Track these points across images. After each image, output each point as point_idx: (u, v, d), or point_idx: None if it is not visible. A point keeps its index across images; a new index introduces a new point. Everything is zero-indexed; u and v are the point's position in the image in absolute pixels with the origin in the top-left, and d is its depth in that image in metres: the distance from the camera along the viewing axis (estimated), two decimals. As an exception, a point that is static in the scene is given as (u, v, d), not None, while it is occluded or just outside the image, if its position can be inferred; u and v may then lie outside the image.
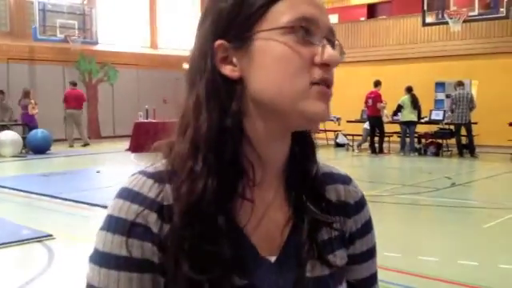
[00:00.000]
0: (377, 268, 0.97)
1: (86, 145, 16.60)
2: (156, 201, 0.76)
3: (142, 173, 0.80)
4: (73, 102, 16.30)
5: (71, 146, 16.31)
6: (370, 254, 0.94)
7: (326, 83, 0.77)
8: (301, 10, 0.75)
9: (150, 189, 0.77)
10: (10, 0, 18.30)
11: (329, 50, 0.76)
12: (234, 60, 0.77)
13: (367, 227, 0.93)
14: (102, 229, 0.77)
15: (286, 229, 0.82)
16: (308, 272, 0.81)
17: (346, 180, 0.94)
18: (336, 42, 0.79)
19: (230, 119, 0.76)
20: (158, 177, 0.78)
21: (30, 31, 17.86)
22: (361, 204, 0.93)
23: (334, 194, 0.90)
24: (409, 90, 14.11)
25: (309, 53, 0.75)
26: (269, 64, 0.75)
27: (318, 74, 0.75)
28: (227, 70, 0.77)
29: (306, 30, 0.75)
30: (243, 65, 0.76)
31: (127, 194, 0.77)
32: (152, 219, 0.75)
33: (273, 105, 0.76)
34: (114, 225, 0.76)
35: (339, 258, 0.87)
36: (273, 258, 0.80)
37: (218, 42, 0.77)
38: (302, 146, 0.86)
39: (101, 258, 0.76)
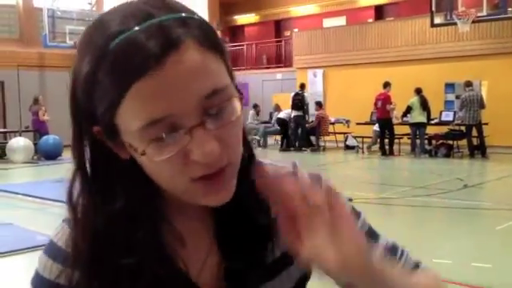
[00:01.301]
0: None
1: None
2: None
3: (67, 221, 0.75)
4: None
5: None
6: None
7: (213, 171, 0.64)
8: (147, 111, 0.60)
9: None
10: (20, 7, 18.45)
11: (201, 146, 0.61)
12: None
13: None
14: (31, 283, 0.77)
15: (224, 272, 0.75)
16: None
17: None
18: (227, 98, 0.64)
19: (120, 203, 0.68)
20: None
21: (39, 38, 18.00)
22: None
23: None
24: (418, 91, 14.07)
25: (177, 153, 0.62)
26: (144, 168, 0.66)
27: (196, 171, 0.63)
28: (119, 151, 0.67)
29: (157, 139, 0.61)
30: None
31: (51, 250, 0.75)
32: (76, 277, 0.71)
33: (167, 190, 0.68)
34: (39, 283, 0.76)
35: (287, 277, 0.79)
36: None
37: (95, 128, 0.66)
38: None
39: None
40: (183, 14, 0.63)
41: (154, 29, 0.60)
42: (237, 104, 0.65)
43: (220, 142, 0.63)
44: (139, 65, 0.59)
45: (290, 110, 16.20)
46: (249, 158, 0.75)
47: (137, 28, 0.60)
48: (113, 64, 0.60)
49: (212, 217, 0.76)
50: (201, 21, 0.64)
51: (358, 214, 0.86)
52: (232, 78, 0.67)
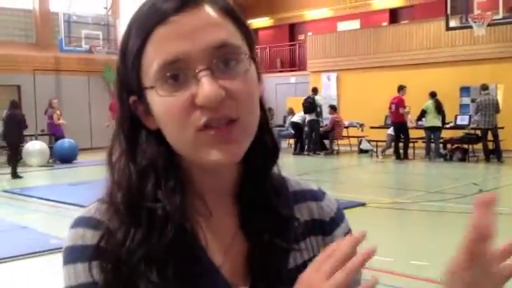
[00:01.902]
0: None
1: None
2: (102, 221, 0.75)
3: (101, 200, 0.79)
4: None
5: None
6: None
7: (219, 123, 0.69)
8: (164, 52, 0.69)
9: (111, 216, 0.75)
10: (36, 12, 18.64)
11: (203, 88, 0.67)
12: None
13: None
14: (65, 263, 0.75)
15: (248, 259, 0.77)
16: None
17: (318, 196, 0.88)
18: (230, 55, 0.70)
19: (143, 165, 0.74)
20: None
21: (55, 42, 18.18)
22: (336, 220, 0.87)
23: (306, 213, 0.85)
24: (433, 95, 13.98)
25: (184, 99, 0.68)
26: (159, 120, 0.72)
27: (200, 118, 0.68)
28: (148, 121, 0.75)
29: (173, 75, 0.68)
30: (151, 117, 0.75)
31: (87, 222, 0.76)
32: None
33: (178, 148, 0.73)
34: (79, 253, 0.74)
35: None
36: None
37: (132, 98, 0.75)
38: (258, 162, 0.79)
39: None
40: None
41: None
42: (247, 62, 0.71)
43: (227, 92, 0.68)
44: (161, 14, 0.69)
45: (303, 114, 16.18)
46: (273, 148, 0.80)
47: None
48: (141, 17, 0.72)
49: (236, 205, 0.80)
50: None
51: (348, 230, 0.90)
52: (251, 49, 0.75)
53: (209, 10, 0.70)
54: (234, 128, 0.70)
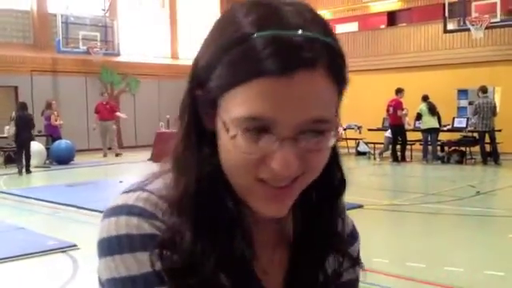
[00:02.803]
0: None
1: (117, 155, 16.79)
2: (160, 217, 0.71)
3: (147, 191, 0.73)
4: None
5: (105, 156, 16.53)
6: (352, 285, 0.87)
7: (279, 184, 0.66)
8: (252, 107, 0.62)
9: (163, 213, 0.71)
10: (34, 13, 18.63)
11: (282, 160, 0.63)
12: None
13: (356, 261, 0.86)
14: (117, 253, 0.69)
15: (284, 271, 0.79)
16: None
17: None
18: (321, 128, 0.65)
19: (208, 168, 0.70)
20: (164, 199, 0.72)
21: (53, 43, 18.16)
22: (353, 237, 0.87)
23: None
24: (424, 98, 14.07)
25: (259, 154, 0.64)
26: (221, 146, 0.68)
27: (265, 173, 0.65)
28: (205, 115, 0.70)
29: (256, 129, 0.63)
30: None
31: (140, 212, 0.70)
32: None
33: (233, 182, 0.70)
34: (128, 242, 0.68)
35: None
36: None
37: (198, 92, 0.70)
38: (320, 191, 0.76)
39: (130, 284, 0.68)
40: (330, 37, 0.66)
41: (299, 39, 0.62)
42: (332, 139, 0.67)
43: (304, 167, 0.65)
44: (273, 65, 0.61)
45: None
46: (340, 182, 0.79)
47: (283, 32, 0.62)
48: (249, 51, 0.62)
49: (287, 245, 0.79)
50: (340, 49, 0.67)
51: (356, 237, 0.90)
52: (337, 112, 0.70)
53: (319, 78, 0.63)
54: (295, 185, 0.68)
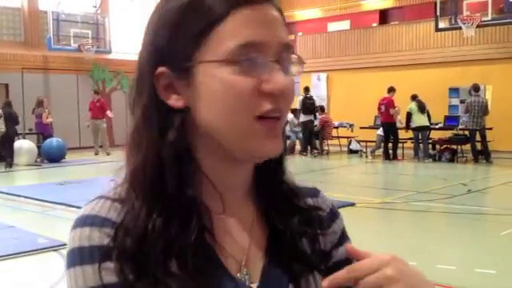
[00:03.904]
0: None
1: (108, 154, 16.70)
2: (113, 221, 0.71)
3: (104, 197, 0.74)
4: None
5: (96, 154, 16.43)
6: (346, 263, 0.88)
7: (276, 115, 0.71)
8: (244, 34, 0.68)
9: (118, 213, 0.72)
10: (25, 10, 18.51)
11: (276, 76, 0.69)
12: (179, 88, 0.72)
13: (343, 237, 0.89)
14: (71, 266, 0.70)
15: (263, 251, 0.79)
16: None
17: (314, 193, 0.90)
18: (293, 57, 0.73)
19: (167, 150, 0.71)
20: (120, 201, 0.73)
21: (44, 41, 18.06)
22: (333, 214, 0.90)
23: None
24: (413, 97, 14.14)
25: (253, 82, 0.69)
26: (210, 97, 0.70)
27: (265, 105, 0.70)
28: (171, 99, 0.72)
29: (249, 58, 0.68)
30: (188, 94, 0.71)
31: (94, 220, 0.71)
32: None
33: (218, 139, 0.72)
34: (87, 254, 0.69)
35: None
36: (255, 286, 0.77)
37: (160, 69, 0.72)
38: (269, 162, 0.79)
39: None
40: None
41: None
42: (299, 66, 0.74)
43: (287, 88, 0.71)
44: None
45: (289, 115, 15.65)
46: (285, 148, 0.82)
47: None
48: None
49: (251, 202, 0.81)
50: None
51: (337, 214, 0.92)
52: None
53: (275, 8, 0.73)
54: (279, 125, 0.73)
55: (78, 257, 0.70)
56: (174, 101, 0.72)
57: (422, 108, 13.94)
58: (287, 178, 0.84)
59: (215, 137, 0.72)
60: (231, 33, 0.68)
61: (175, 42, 0.71)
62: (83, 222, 0.71)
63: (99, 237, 0.70)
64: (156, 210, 0.70)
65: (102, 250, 0.69)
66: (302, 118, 15.50)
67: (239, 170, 0.78)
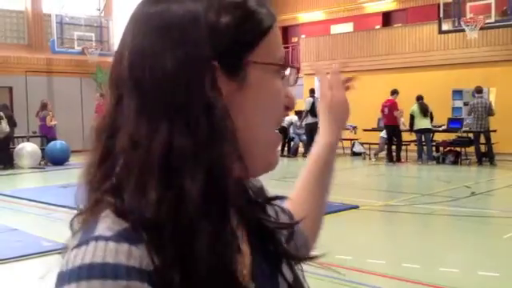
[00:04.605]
0: None
1: None
2: (142, 269, 0.58)
3: (103, 238, 0.60)
4: None
5: None
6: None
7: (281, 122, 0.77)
8: (280, 47, 0.74)
9: (128, 256, 0.58)
10: (28, 13, 18.57)
11: (290, 90, 0.74)
12: (222, 85, 0.65)
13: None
14: None
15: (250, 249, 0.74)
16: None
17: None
18: (288, 72, 0.76)
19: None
20: (127, 238, 0.60)
21: (47, 44, 18.12)
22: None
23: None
24: (418, 98, 14.09)
25: (284, 87, 0.74)
26: (258, 101, 0.68)
27: (283, 115, 0.75)
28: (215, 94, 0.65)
29: (282, 69, 0.73)
30: (229, 93, 0.65)
31: (101, 271, 0.57)
32: None
33: (245, 146, 0.66)
34: None
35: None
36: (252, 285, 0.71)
37: (214, 63, 0.64)
38: None
39: None
40: None
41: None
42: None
43: None
44: (271, 18, 0.72)
45: (289, 117, 15.61)
46: None
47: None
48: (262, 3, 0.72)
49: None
50: None
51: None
52: None
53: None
54: None
55: None
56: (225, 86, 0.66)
57: (424, 110, 13.92)
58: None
59: (241, 144, 0.66)
60: (274, 44, 0.71)
61: (236, 37, 0.66)
62: (98, 272, 0.58)
63: None
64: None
65: None
66: (310, 119, 15.36)
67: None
